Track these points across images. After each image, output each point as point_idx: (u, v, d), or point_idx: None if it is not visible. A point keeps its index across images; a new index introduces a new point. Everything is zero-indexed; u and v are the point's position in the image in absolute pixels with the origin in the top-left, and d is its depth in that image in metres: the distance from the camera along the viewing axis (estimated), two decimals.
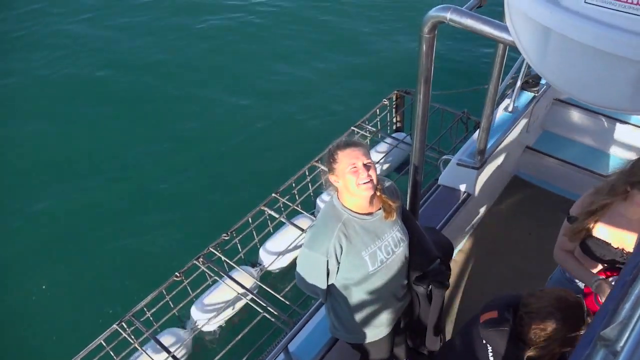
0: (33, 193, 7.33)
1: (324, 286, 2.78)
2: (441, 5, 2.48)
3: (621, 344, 1.00)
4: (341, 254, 2.64)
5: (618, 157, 5.34)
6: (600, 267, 2.98)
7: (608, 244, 2.86)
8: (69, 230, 6.80)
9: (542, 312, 2.36)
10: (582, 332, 2.34)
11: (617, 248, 2.85)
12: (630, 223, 2.81)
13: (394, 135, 6.41)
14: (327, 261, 2.64)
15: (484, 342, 2.49)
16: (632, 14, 1.33)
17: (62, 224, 6.92)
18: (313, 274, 2.75)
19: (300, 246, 2.94)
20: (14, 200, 7.27)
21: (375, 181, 2.55)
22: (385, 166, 6.02)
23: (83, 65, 10.03)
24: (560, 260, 3.12)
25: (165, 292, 4.55)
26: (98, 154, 7.96)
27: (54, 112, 8.88)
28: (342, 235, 2.62)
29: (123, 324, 4.36)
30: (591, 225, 2.86)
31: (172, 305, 4.60)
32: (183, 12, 11.53)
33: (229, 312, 4.81)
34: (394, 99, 6.46)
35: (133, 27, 11.09)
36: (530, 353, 2.42)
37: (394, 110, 6.53)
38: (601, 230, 2.86)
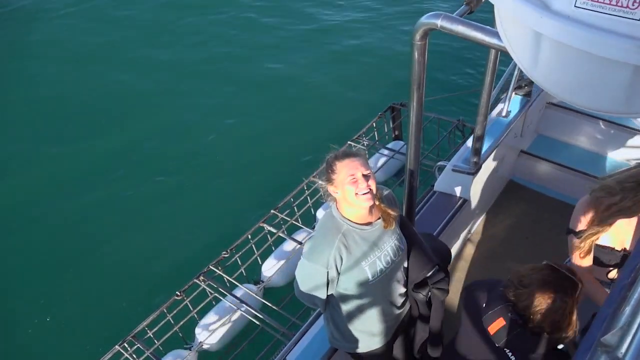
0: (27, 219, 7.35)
1: (323, 297, 2.77)
2: (432, 13, 2.50)
3: (622, 350, 0.99)
4: (341, 264, 2.63)
5: (613, 159, 5.35)
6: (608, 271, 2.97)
7: (612, 249, 2.85)
8: (67, 249, 6.76)
9: (545, 305, 2.32)
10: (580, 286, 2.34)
11: (621, 250, 2.85)
12: (629, 224, 2.80)
13: (391, 144, 6.44)
14: (327, 272, 2.63)
15: (503, 348, 2.45)
16: (622, 17, 1.33)
17: (60, 242, 6.88)
18: (313, 285, 2.73)
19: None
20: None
21: (374, 191, 2.54)
22: (384, 175, 6.03)
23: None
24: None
25: (166, 312, 4.54)
26: (94, 168, 7.99)
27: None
28: (342, 246, 2.61)
29: (125, 344, 4.35)
30: (598, 236, 2.85)
31: (173, 324, 4.59)
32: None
33: (231, 331, 4.81)
34: (390, 112, 6.49)
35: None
36: (555, 335, 2.39)
37: (390, 122, 6.56)
38: (604, 237, 2.84)
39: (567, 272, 2.36)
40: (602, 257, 2.90)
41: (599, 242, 2.85)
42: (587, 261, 2.91)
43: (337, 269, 2.63)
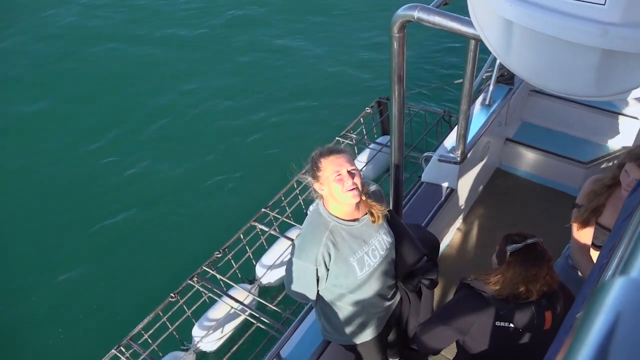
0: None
1: (314, 293, 2.79)
2: (409, 5, 2.51)
3: None
4: (329, 261, 2.65)
5: (598, 143, 5.38)
6: None
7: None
8: (62, 253, 6.75)
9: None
10: None
11: None
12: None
13: (380, 139, 6.47)
14: (317, 269, 2.64)
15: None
16: (588, 2, 1.36)
17: (54, 245, 6.88)
18: (303, 283, 2.75)
19: None
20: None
21: (360, 188, 2.56)
22: (374, 170, 6.05)
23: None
24: (576, 261, 3.14)
25: (161, 313, 4.55)
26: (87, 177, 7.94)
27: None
28: (330, 243, 2.62)
29: (122, 348, 4.37)
30: (598, 209, 2.92)
31: (169, 326, 4.60)
32: None
33: (228, 330, 4.84)
34: (377, 107, 6.51)
35: None
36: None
37: (378, 117, 6.58)
38: (605, 217, 2.91)
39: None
40: (603, 238, 2.96)
41: (601, 221, 2.92)
42: (585, 235, 3.00)
43: (325, 265, 2.65)
